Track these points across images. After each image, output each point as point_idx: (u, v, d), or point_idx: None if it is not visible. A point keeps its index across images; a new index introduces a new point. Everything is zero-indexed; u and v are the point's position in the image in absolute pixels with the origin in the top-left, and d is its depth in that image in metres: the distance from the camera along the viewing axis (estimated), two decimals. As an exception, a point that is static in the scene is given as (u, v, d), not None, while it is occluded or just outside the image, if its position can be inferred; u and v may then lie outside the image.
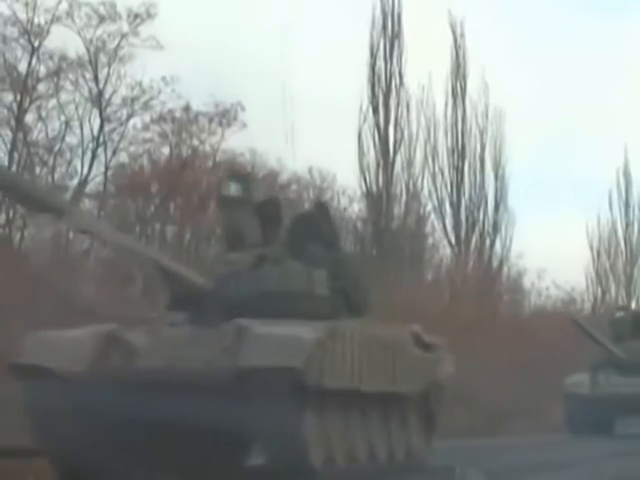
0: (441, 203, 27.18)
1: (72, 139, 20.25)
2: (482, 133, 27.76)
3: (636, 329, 20.62)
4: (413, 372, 9.47)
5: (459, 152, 27.44)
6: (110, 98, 20.34)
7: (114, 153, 20.50)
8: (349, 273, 9.66)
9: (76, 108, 20.28)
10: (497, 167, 28.09)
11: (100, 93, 20.22)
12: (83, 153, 20.26)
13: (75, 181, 20.26)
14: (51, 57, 19.64)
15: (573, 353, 20.46)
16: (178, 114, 20.73)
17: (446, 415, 18.20)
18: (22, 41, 19.43)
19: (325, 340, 7.92)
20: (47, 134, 20.10)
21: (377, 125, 25.29)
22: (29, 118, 19.83)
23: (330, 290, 9.18)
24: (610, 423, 19.41)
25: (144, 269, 8.07)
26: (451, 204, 27.36)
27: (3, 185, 7.79)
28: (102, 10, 19.91)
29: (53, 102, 20.06)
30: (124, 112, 20.47)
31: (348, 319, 9.06)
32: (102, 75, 20.22)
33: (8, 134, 19.47)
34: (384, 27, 25.76)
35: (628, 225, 33.76)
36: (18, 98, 19.37)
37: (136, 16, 20.07)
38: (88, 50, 20.02)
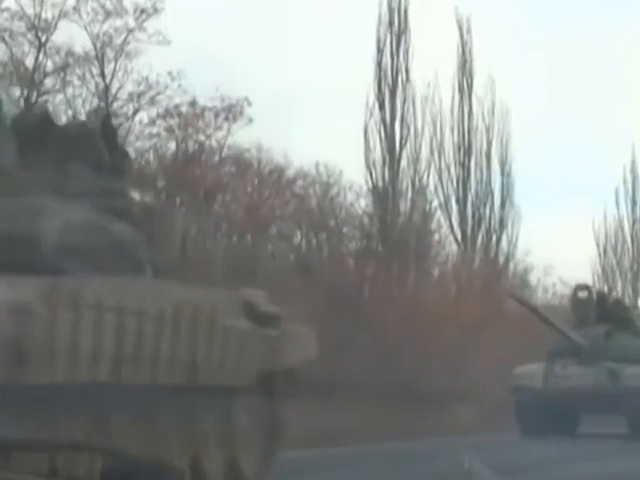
0: (447, 199, 27.21)
1: (79, 134, 20.26)
2: (488, 129, 27.78)
3: (601, 312, 18.14)
4: (238, 355, 6.43)
5: (465, 148, 27.44)
6: (117, 93, 20.37)
7: (120, 148, 20.51)
8: (125, 210, 6.44)
9: (83, 103, 20.31)
10: (503, 163, 28.11)
11: (107, 88, 20.23)
12: (90, 148, 20.26)
13: (81, 176, 20.27)
14: (58, 52, 19.66)
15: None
16: (184, 109, 20.74)
17: (452, 411, 18.29)
18: (29, 36, 19.46)
19: (29, 305, 5.00)
20: (54, 129, 20.12)
21: (383, 121, 25.27)
22: (36, 113, 19.86)
23: None
24: (571, 422, 16.97)
25: None
26: (457, 200, 27.36)
27: None
28: (109, 5, 19.94)
29: (60, 97, 20.10)
30: (130, 107, 20.50)
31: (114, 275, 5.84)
32: (109, 70, 20.25)
33: (15, 129, 19.49)
34: (390, 23, 25.73)
35: (635, 222, 33.76)
36: (25, 93, 19.39)
37: (142, 11, 20.09)
38: (95, 45, 20.05)
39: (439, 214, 27.08)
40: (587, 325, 17.78)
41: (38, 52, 19.43)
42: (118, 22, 20.05)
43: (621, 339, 17.44)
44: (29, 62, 19.52)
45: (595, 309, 18.23)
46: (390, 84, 25.44)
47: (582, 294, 18.78)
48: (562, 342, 17.32)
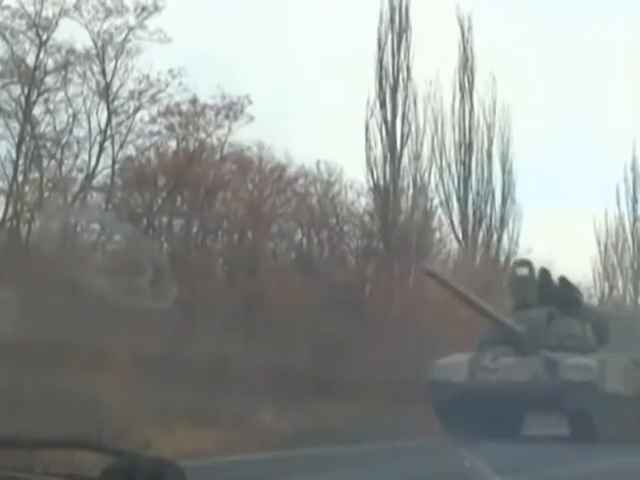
0: (448, 197, 27.16)
1: (80, 132, 20.26)
2: (489, 127, 27.73)
3: (544, 292, 15.41)
4: None
5: (466, 146, 27.40)
6: (117, 91, 20.34)
7: (121, 146, 20.50)
8: None
9: (84, 101, 20.28)
10: (504, 161, 28.06)
11: (107, 86, 20.21)
12: (91, 146, 20.26)
13: (82, 174, 20.27)
14: (59, 50, 19.64)
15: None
16: (185, 107, 20.72)
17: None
18: (30, 34, 19.43)
19: None
20: (55, 127, 20.11)
21: (384, 119, 25.24)
22: (37, 111, 19.85)
23: None
24: (511, 422, 14.36)
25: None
26: (458, 198, 27.32)
27: None
28: (109, 3, 19.92)
29: (61, 95, 20.07)
30: (131, 105, 20.48)
31: None
32: (109, 68, 20.22)
33: (16, 127, 19.48)
34: (392, 21, 25.71)
35: (636, 220, 33.69)
36: (26, 91, 19.37)
37: (143, 9, 20.06)
38: (95, 43, 20.02)
39: (440, 212, 27.08)
40: (527, 308, 15.20)
41: (39, 50, 19.42)
42: (119, 20, 20.04)
43: (565, 324, 15.00)
44: (30, 60, 19.51)
45: (537, 289, 15.54)
46: (391, 82, 25.42)
47: (521, 271, 15.98)
48: (495, 329, 14.94)
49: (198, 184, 20.62)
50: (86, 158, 20.23)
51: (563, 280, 16.56)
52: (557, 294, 15.47)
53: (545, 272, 16.37)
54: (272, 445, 12.27)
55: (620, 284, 33.62)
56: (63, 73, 19.89)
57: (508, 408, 13.91)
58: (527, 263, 16.64)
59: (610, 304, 31.73)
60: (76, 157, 20.28)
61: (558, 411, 14.48)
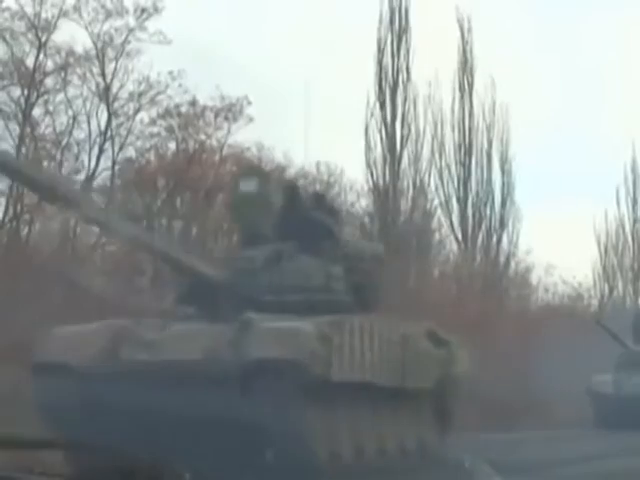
0: (448, 199, 27.16)
1: (79, 133, 20.26)
2: (489, 129, 27.74)
3: (287, 219, 10.13)
4: None
5: (466, 148, 27.41)
6: (117, 93, 20.36)
7: (121, 148, 20.51)
8: None
9: (83, 103, 20.29)
10: (504, 163, 28.07)
11: (107, 88, 20.22)
12: (90, 148, 20.27)
13: (82, 175, 20.27)
14: (58, 52, 19.65)
15: (582, 349, 20.15)
16: (184, 108, 20.73)
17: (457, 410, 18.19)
18: (30, 36, 19.44)
19: None
20: (55, 128, 20.12)
21: (384, 120, 25.27)
22: (37, 112, 19.86)
23: None
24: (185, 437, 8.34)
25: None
26: (458, 200, 27.33)
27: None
28: (109, 5, 19.93)
29: (60, 96, 20.08)
30: (131, 107, 20.49)
31: None
32: (109, 70, 20.24)
33: (16, 128, 19.49)
34: (391, 22, 25.75)
35: (636, 221, 33.69)
36: (26, 92, 19.37)
37: (143, 10, 20.08)
38: (95, 45, 20.04)
39: (440, 213, 27.08)
40: (258, 243, 9.90)
41: (38, 52, 19.42)
42: (118, 21, 20.06)
43: (299, 268, 9.84)
44: (30, 62, 19.52)
45: (280, 214, 10.13)
46: (391, 83, 25.44)
47: (247, 186, 10.05)
48: (183, 278, 9.56)
49: (198, 185, 20.63)
50: (86, 160, 20.26)
51: (318, 200, 11.06)
52: (306, 222, 10.11)
53: (291, 189, 10.76)
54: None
55: (620, 285, 33.62)
56: (63, 75, 19.91)
57: (174, 410, 8.23)
58: (258, 173, 10.79)
59: (610, 305, 31.76)
60: (76, 159, 20.30)
61: (245, 413, 8.39)
